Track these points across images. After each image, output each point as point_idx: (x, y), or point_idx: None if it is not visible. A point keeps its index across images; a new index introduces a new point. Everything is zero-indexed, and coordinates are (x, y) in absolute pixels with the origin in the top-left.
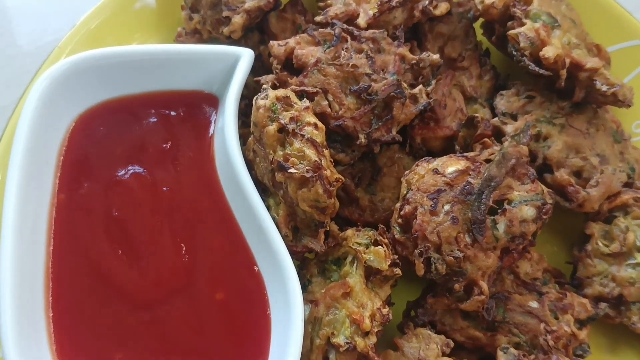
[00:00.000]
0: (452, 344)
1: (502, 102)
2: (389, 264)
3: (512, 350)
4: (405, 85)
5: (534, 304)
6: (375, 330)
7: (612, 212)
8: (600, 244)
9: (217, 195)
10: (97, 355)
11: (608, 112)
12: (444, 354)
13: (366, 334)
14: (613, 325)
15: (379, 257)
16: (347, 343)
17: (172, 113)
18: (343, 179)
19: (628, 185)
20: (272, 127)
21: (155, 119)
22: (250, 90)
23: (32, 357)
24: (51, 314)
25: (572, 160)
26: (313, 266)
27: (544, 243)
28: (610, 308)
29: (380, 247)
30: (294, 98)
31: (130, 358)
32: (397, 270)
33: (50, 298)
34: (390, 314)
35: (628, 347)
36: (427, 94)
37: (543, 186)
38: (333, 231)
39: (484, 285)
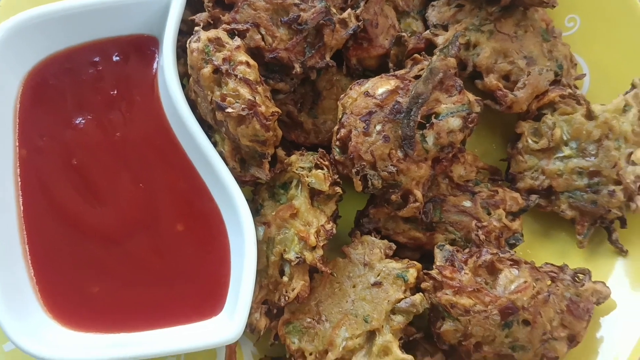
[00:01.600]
0: (393, 247)
1: (434, 13)
2: (329, 184)
3: (447, 246)
4: (334, 10)
5: (467, 204)
6: (321, 244)
7: (541, 111)
8: (530, 140)
9: (167, 134)
10: (76, 290)
11: (538, 11)
12: (387, 256)
13: (313, 248)
14: (545, 213)
15: (319, 179)
16: (297, 257)
17: (116, 59)
18: (279, 111)
19: (556, 83)
20: (207, 70)
21: (101, 67)
22: (189, 26)
23: (16, 300)
24: (29, 259)
25: (500, 65)
26: (264, 191)
27: (482, 143)
28: (542, 199)
29: (320, 170)
30: (225, 38)
31: (105, 289)
32: (338, 189)
33: (27, 245)
34: (334, 229)
35: (560, 230)
36: (357, 17)
37: (470, 95)
38: (280, 157)
39: (418, 193)
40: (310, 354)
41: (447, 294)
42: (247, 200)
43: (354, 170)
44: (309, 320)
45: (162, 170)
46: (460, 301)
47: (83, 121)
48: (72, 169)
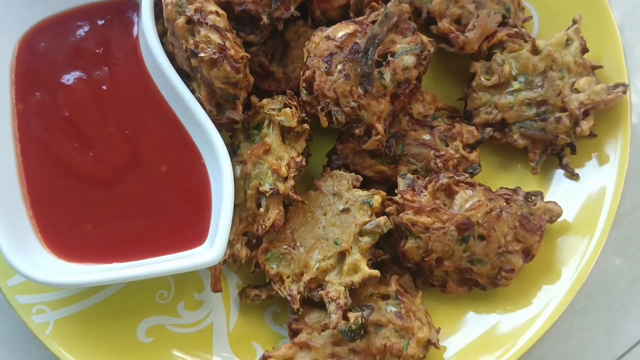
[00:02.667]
0: (360, 178)
1: None
2: (297, 121)
3: (409, 175)
4: None
5: (426, 137)
6: (292, 175)
7: (491, 50)
8: (482, 78)
9: (149, 86)
10: (72, 228)
11: None
12: (354, 187)
13: (285, 179)
14: (501, 146)
15: (288, 116)
16: (271, 189)
17: (101, 22)
18: (248, 55)
19: (504, 24)
20: (181, 20)
21: (88, 29)
22: None
23: (17, 236)
24: (28, 201)
25: (452, 10)
26: (240, 134)
27: (441, 86)
28: (496, 131)
29: (288, 108)
30: None
31: (98, 225)
32: (306, 126)
33: (25, 188)
34: (303, 161)
35: (515, 161)
36: None
37: (423, 37)
38: (253, 102)
39: (379, 127)
40: (288, 277)
41: (408, 214)
42: (225, 143)
43: (319, 107)
44: (285, 247)
45: (146, 120)
46: (420, 220)
47: (73, 78)
48: (64, 120)
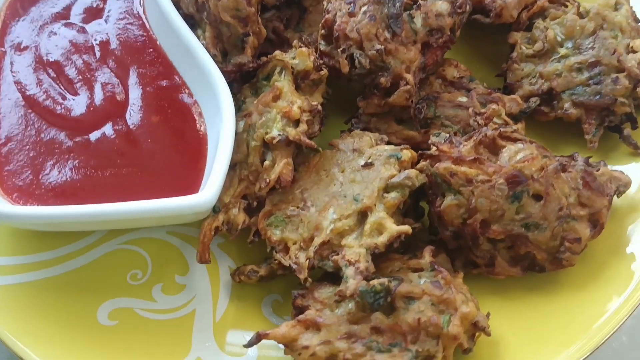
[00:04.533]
0: (386, 138)
1: None
2: (313, 62)
3: (443, 133)
4: None
5: (462, 99)
6: (305, 119)
7: (532, 20)
8: (524, 47)
9: (146, 37)
10: (40, 173)
11: None
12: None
13: (297, 123)
14: (548, 125)
15: (303, 56)
16: (279, 134)
17: None
18: None
19: None
20: None
21: None
22: None
23: None
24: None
25: None
26: (246, 89)
27: (474, 71)
28: (543, 105)
29: (304, 48)
30: None
31: (75, 173)
32: (323, 73)
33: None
34: (319, 107)
35: (564, 142)
36: None
37: None
38: (262, 58)
39: (409, 76)
40: (294, 243)
41: (446, 164)
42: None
43: (339, 50)
44: (292, 209)
45: (140, 69)
46: (460, 169)
47: (64, 22)
48: (49, 64)
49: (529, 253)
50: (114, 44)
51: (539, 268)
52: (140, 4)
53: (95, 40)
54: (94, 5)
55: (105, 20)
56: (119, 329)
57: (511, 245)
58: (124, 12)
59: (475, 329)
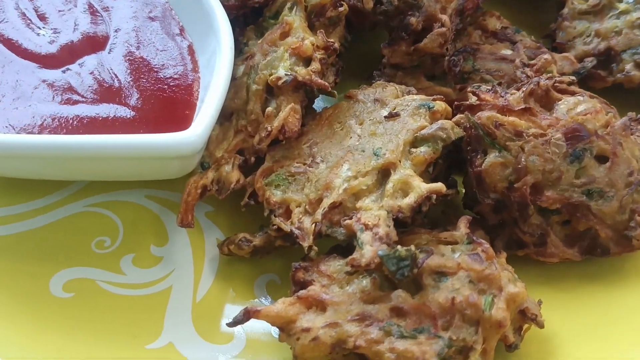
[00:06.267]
0: (414, 91)
1: None
2: None
3: (484, 86)
4: None
5: (506, 52)
6: (319, 57)
7: None
8: (576, 2)
9: None
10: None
11: None
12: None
13: (308, 62)
14: (607, 93)
15: None
16: (286, 75)
17: None
18: None
19: None
20: None
21: None
22: None
23: None
24: None
25: None
26: (250, 30)
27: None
28: (599, 68)
29: None
30: None
31: (50, 109)
32: (342, 9)
33: None
34: (336, 44)
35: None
36: None
37: None
38: None
39: (444, 17)
40: (299, 206)
41: (490, 113)
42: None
43: None
44: (297, 165)
45: (129, 3)
46: (508, 120)
47: None
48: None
49: (590, 230)
50: None
51: (602, 250)
52: None
53: None
54: None
55: None
56: (74, 302)
57: (568, 219)
58: None
59: (524, 319)
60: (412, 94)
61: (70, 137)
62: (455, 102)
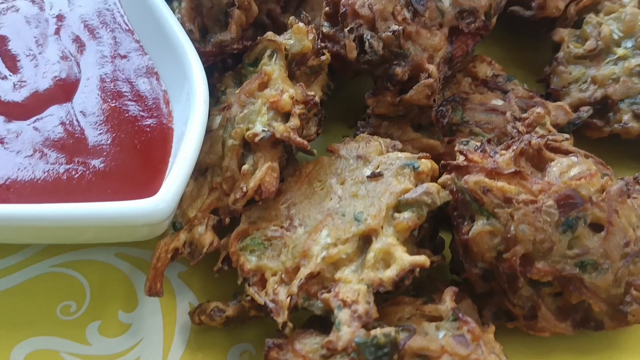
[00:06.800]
0: (399, 145)
1: None
2: (312, 42)
3: (472, 142)
4: None
5: (497, 102)
6: (298, 112)
7: (582, 15)
8: (572, 46)
9: (114, 7)
10: None
11: None
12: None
13: (287, 117)
14: (599, 142)
15: (300, 33)
16: (263, 131)
17: None
18: None
19: None
20: None
21: None
22: None
23: None
24: None
25: None
26: (229, 77)
27: (510, 74)
28: (596, 117)
29: (302, 24)
30: None
31: (11, 163)
32: (324, 58)
33: None
34: (317, 98)
35: (619, 163)
36: None
37: None
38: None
39: (432, 67)
40: (274, 274)
41: (477, 176)
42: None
43: (346, 30)
44: (274, 228)
45: (100, 45)
46: (497, 185)
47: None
48: None
49: (583, 303)
50: (72, 15)
51: (596, 324)
52: None
53: (50, 12)
54: None
55: None
56: None
57: (560, 291)
58: None
59: None
60: (397, 148)
61: (29, 207)
62: (442, 162)
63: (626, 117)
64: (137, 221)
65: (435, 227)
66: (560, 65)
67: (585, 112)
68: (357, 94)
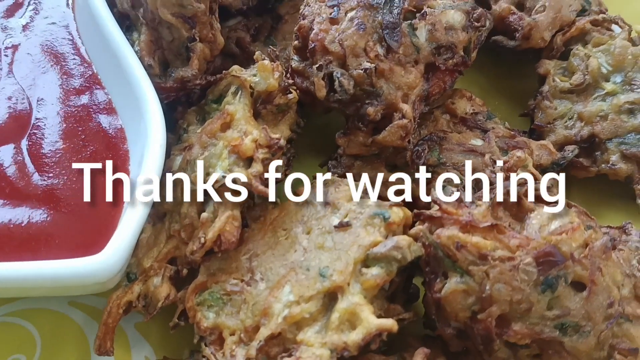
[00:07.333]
0: (371, 190)
1: None
2: (278, 80)
3: (449, 187)
4: None
5: (476, 142)
6: (261, 157)
7: (568, 46)
8: (558, 80)
9: (71, 40)
10: None
11: None
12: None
13: (249, 162)
14: (590, 184)
15: (265, 71)
16: (223, 177)
17: None
18: None
19: (583, 13)
20: None
21: None
22: None
23: None
24: None
25: None
26: (191, 114)
27: (492, 108)
28: (582, 156)
29: (267, 61)
30: None
31: None
32: (292, 97)
33: None
34: (282, 142)
35: (607, 204)
36: None
37: None
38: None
39: (406, 107)
40: (232, 334)
41: (451, 230)
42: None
43: (315, 67)
44: (234, 282)
45: (54, 81)
46: (471, 240)
47: None
48: None
49: None
50: (27, 48)
51: None
52: (68, 2)
53: (3, 43)
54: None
55: (22, 19)
56: None
57: (539, 354)
58: (49, 9)
59: None
60: (367, 193)
61: None
62: (415, 211)
63: (614, 158)
64: (85, 280)
65: (409, 276)
66: (545, 100)
67: (571, 151)
68: (329, 129)
